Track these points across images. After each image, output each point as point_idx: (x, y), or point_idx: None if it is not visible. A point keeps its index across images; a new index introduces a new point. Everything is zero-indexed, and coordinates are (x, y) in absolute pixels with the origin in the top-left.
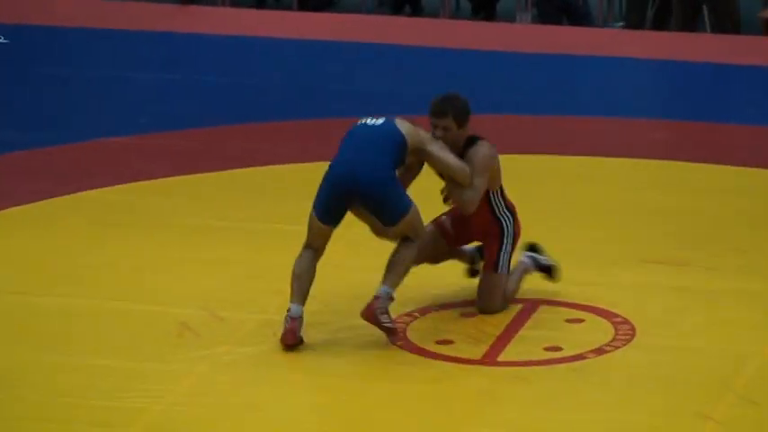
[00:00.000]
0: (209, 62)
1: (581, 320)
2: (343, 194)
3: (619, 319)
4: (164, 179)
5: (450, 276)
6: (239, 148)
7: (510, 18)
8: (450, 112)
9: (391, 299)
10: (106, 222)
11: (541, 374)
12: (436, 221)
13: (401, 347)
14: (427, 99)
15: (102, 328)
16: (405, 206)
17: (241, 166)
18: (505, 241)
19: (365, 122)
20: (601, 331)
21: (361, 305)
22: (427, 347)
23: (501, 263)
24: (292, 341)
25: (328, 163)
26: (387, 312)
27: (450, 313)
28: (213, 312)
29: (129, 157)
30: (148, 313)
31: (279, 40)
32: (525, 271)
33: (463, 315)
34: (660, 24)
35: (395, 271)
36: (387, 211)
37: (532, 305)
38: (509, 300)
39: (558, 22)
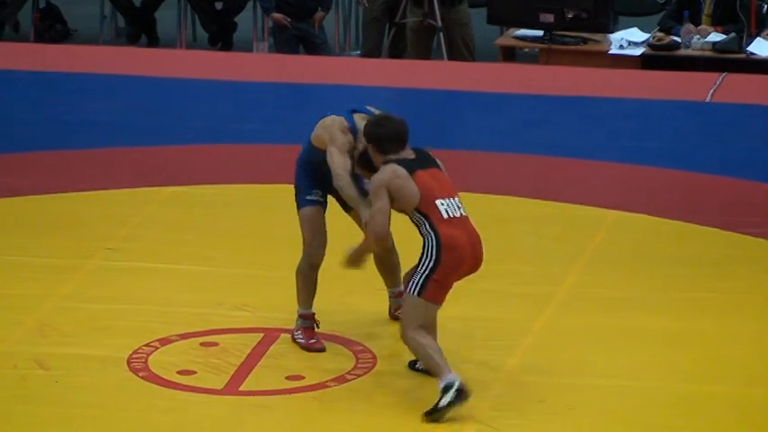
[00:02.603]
0: None
1: (322, 349)
2: None
3: (359, 348)
4: None
5: (191, 305)
6: None
7: (247, 48)
8: (365, 136)
9: (299, 317)
10: None
11: (283, 403)
12: None
13: (144, 378)
14: (165, 130)
15: None
16: (297, 205)
17: None
18: (421, 262)
19: None
20: (342, 360)
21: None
22: (169, 378)
23: (411, 283)
24: None
25: (68, 195)
26: (298, 330)
27: (192, 343)
28: None
29: None
30: None
31: (15, 72)
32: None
33: (204, 344)
34: (396, 53)
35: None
36: None
37: (274, 334)
38: (412, 345)
39: (295, 52)
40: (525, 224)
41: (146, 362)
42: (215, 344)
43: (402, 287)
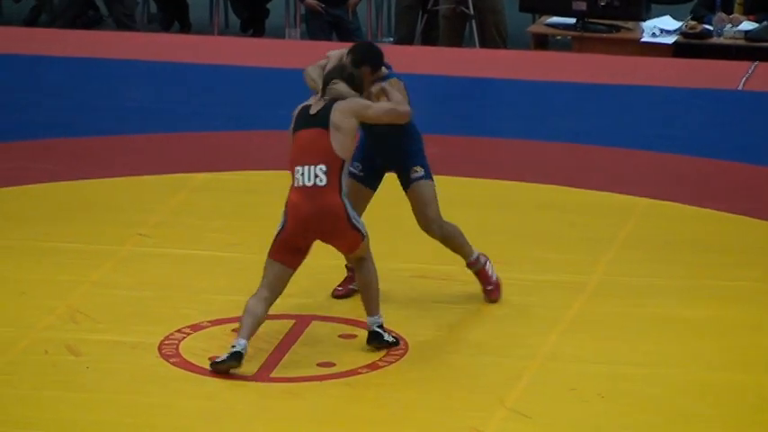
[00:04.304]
0: None
1: (353, 336)
2: None
3: (392, 334)
4: None
5: (223, 292)
6: (5, 167)
7: (279, 34)
8: None
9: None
10: None
11: (314, 390)
12: None
13: (174, 364)
14: (197, 116)
15: None
16: None
17: (6, 185)
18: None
19: None
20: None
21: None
22: (200, 364)
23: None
24: None
25: (100, 180)
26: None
27: (223, 329)
28: None
29: None
30: None
31: (46, 58)
32: None
33: (236, 331)
34: (429, 40)
35: None
36: None
37: (305, 321)
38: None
39: (328, 38)
40: (556, 212)
41: (177, 348)
42: None
43: (474, 257)
